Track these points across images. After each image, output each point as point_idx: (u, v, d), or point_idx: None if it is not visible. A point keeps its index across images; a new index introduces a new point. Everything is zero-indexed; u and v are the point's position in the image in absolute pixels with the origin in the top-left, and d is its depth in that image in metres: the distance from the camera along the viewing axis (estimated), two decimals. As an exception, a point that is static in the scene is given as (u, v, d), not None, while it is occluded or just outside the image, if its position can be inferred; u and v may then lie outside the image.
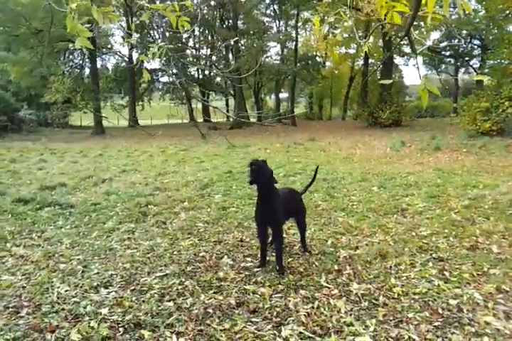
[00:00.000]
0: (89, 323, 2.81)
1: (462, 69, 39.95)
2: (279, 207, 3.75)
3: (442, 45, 31.38)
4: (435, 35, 35.26)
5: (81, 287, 3.39)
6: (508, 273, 3.47)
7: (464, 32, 29.92)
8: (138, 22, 2.95)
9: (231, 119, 30.76)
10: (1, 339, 2.62)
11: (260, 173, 3.53)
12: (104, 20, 2.43)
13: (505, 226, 4.69)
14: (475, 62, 36.18)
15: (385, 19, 1.96)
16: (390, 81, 1.95)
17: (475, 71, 35.72)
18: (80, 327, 2.76)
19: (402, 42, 26.69)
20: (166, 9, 2.69)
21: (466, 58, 35.98)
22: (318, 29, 2.88)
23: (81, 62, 35.48)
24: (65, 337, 2.67)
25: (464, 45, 33.95)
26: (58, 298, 3.19)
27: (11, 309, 3.03)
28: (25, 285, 3.45)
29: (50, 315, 2.94)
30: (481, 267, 3.63)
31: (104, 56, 35.99)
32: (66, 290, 3.32)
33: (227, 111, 42.55)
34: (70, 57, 35.34)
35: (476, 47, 34.48)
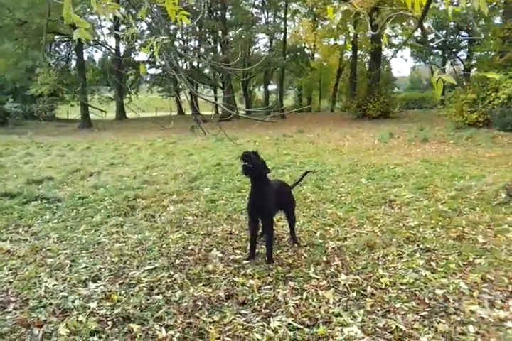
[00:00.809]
0: (78, 317, 2.80)
1: (449, 61, 40.19)
2: (272, 199, 3.80)
3: (430, 36, 31.45)
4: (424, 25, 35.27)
5: (69, 281, 3.37)
6: (492, 263, 3.53)
7: (452, 24, 30.07)
8: (139, 15, 2.89)
9: (220, 112, 30.65)
10: (-12, 335, 2.60)
11: (253, 165, 3.54)
12: (104, 12, 2.38)
13: (491, 217, 4.75)
14: (462, 54, 36.42)
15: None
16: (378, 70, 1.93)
17: (462, 62, 35.95)
18: (68, 321, 2.75)
19: (391, 34, 26.72)
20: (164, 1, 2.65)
21: (454, 50, 36.17)
22: (307, 22, 2.87)
23: (67, 54, 34.96)
24: (53, 331, 2.66)
25: (451, 38, 34.14)
26: (46, 293, 3.17)
27: (-3, 304, 3.01)
28: (12, 280, 3.42)
29: (37, 309, 2.93)
30: (467, 257, 3.68)
31: (90, 48, 35.49)
32: (54, 285, 3.30)
33: (216, 103, 42.28)
34: (56, 49, 34.79)
35: (463, 38, 34.68)
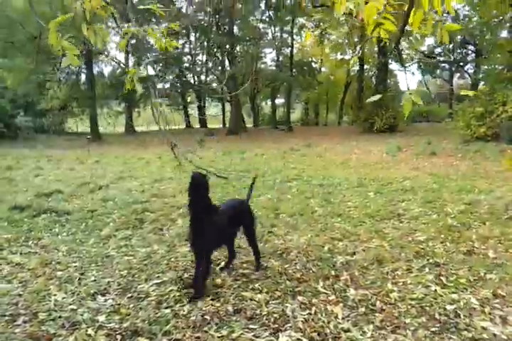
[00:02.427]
0: (87, 331, 2.81)
1: (457, 75, 40.30)
2: (212, 231, 3.39)
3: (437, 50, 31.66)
4: (429, 40, 35.55)
5: (78, 294, 3.39)
6: (504, 278, 3.49)
7: (459, 37, 30.20)
8: (119, 44, 2.96)
9: (227, 126, 30.81)
10: (-2, 348, 2.61)
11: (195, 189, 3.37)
12: (96, 39, 2.43)
13: (501, 231, 4.71)
14: (469, 67, 36.49)
15: (372, 33, 2.02)
16: (378, 97, 1.95)
17: (469, 76, 36.01)
18: (77, 334, 2.75)
19: (395, 50, 26.91)
20: (151, 32, 2.71)
21: (461, 63, 36.26)
22: (309, 35, 2.94)
23: (77, 68, 35.46)
24: (62, 345, 2.66)
25: (457, 53, 34.27)
26: (55, 306, 3.18)
27: (7, 317, 3.02)
28: (21, 292, 3.44)
29: (47, 322, 2.94)
30: (478, 272, 3.65)
31: (100, 62, 36.00)
32: (63, 298, 3.32)
33: (223, 117, 42.61)
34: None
35: (470, 52, 34.79)
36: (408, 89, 1.95)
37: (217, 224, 3.43)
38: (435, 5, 1.82)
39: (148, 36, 2.77)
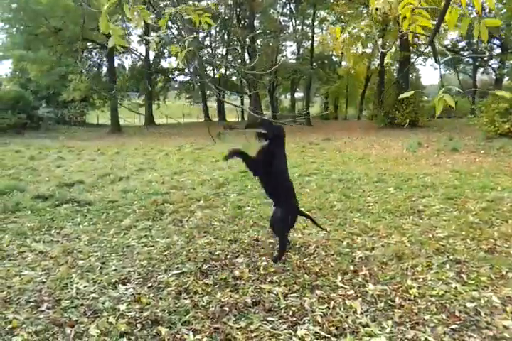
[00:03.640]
0: (108, 319, 2.86)
1: (481, 70, 39.43)
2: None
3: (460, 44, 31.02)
4: (453, 34, 34.84)
5: (99, 283, 3.45)
6: (526, 277, 3.43)
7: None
8: (159, 22, 2.98)
9: (246, 119, 30.77)
10: (24, 333, 2.68)
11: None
12: (137, 19, 2.46)
13: (524, 230, 4.62)
14: (494, 63, 35.65)
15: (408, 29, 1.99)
16: (411, 93, 1.92)
17: (494, 71, 35.22)
18: (99, 322, 2.81)
19: (420, 43, 26.43)
20: (187, 9, 2.72)
21: (485, 58, 35.44)
22: (338, 31, 2.90)
23: (99, 60, 35.85)
24: (84, 331, 2.72)
25: (483, 45, 33.46)
26: (77, 294, 3.25)
27: (31, 303, 3.10)
28: (44, 280, 3.52)
29: (69, 310, 3.00)
30: (499, 270, 3.59)
31: (121, 55, 36.31)
32: (85, 286, 3.39)
33: (242, 110, 42.59)
34: (88, 55, 35.71)
35: (495, 47, 33.97)
36: (442, 86, 1.90)
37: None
38: (475, 3, 1.77)
39: (185, 13, 2.77)
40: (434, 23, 1.99)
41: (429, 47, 2.00)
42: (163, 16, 2.84)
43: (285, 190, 4.04)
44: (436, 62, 2.10)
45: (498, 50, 32.67)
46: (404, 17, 2.04)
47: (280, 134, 4.01)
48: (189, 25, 3.26)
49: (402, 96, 2.06)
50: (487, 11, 26.98)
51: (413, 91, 2.03)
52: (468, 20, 1.87)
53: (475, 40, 32.24)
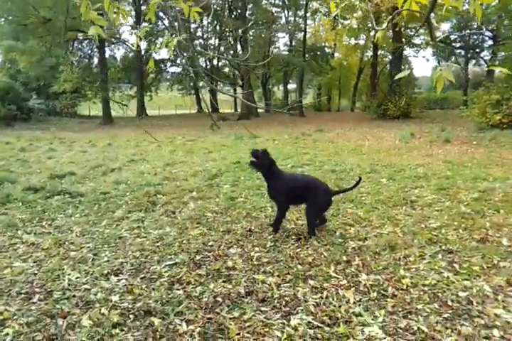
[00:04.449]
0: (100, 310, 2.85)
1: (473, 61, 39.48)
2: (280, 190, 4.39)
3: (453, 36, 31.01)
4: (445, 26, 34.84)
5: (92, 274, 3.43)
6: (518, 266, 3.46)
7: (475, 23, 29.50)
8: (147, 9, 2.94)
9: (239, 110, 30.63)
10: (15, 324, 2.66)
11: (260, 161, 4.31)
12: (115, 17, 2.43)
13: (516, 219, 4.66)
14: (486, 54, 35.73)
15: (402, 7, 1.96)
16: (407, 72, 1.89)
17: (486, 63, 35.27)
18: (91, 313, 2.79)
19: (412, 34, 26.40)
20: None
21: (477, 50, 35.50)
22: (329, 21, 2.87)
23: (89, 51, 35.43)
24: (76, 322, 2.71)
25: (475, 37, 33.53)
26: (69, 285, 3.23)
27: (23, 295, 3.07)
28: (36, 271, 3.50)
29: (61, 301, 2.99)
30: (491, 260, 3.62)
31: (112, 46, 35.91)
32: (77, 278, 3.36)
33: (235, 102, 42.43)
34: (79, 46, 35.27)
35: (487, 38, 34.01)
36: (438, 63, 1.88)
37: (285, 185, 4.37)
38: None
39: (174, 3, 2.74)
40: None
41: (426, 24, 1.97)
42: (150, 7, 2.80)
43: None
44: (431, 39, 2.07)
45: (490, 42, 32.77)
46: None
47: (272, 160, 4.38)
48: (181, 16, 3.22)
49: (398, 76, 2.04)
50: (479, 2, 26.98)
51: (409, 71, 2.00)
52: None
53: (466, 32, 32.25)
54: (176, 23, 3.31)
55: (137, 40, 2.95)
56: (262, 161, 4.30)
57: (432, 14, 1.96)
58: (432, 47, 31.85)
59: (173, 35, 2.91)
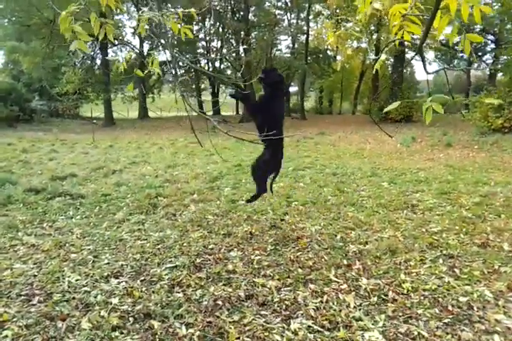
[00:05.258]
0: (100, 312, 2.84)
1: (475, 65, 39.47)
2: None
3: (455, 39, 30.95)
4: (447, 29, 34.79)
5: (92, 276, 3.43)
6: (519, 271, 3.45)
7: (478, 27, 29.51)
8: (138, 31, 2.95)
9: (240, 113, 30.65)
10: (14, 326, 2.65)
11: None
12: (100, 32, 2.43)
13: (517, 224, 4.65)
14: (488, 58, 35.75)
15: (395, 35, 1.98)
16: (396, 104, 1.87)
17: (488, 66, 35.26)
18: (91, 316, 2.79)
19: (415, 38, 26.38)
20: (167, 17, 2.68)
21: (479, 53, 35.49)
22: (331, 35, 2.88)
23: (92, 53, 35.48)
24: (75, 325, 2.70)
25: (475, 43, 33.47)
26: (69, 287, 3.23)
27: (23, 297, 3.07)
28: (36, 273, 3.50)
29: (61, 303, 2.98)
30: (492, 265, 3.61)
31: (114, 47, 35.94)
32: (77, 280, 3.36)
33: (237, 104, 42.38)
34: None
35: (489, 42, 34.00)
36: (429, 95, 1.88)
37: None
38: (463, 12, 1.76)
39: (164, 21, 2.74)
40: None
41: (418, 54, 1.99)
42: (141, 21, 2.80)
43: (278, 134, 4.07)
44: (425, 70, 2.08)
45: (492, 46, 32.77)
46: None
47: (280, 80, 4.38)
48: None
49: (386, 109, 2.05)
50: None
51: (398, 102, 2.00)
52: (456, 28, 1.88)
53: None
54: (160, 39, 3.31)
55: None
56: (269, 78, 4.29)
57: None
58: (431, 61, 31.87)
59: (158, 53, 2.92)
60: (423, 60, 2.19)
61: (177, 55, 3.04)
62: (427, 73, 2.09)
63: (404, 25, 2.05)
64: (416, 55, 2.03)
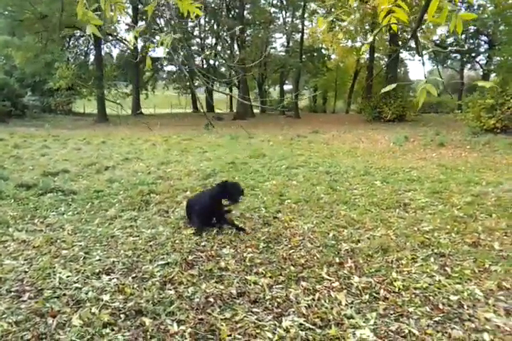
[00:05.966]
0: (91, 309, 2.83)
1: (468, 65, 39.72)
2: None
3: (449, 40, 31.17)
4: (442, 29, 34.94)
5: (83, 273, 3.41)
6: (509, 271, 3.47)
7: (472, 28, 29.66)
8: (144, 9, 2.92)
9: (234, 110, 30.58)
10: (4, 323, 2.63)
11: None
12: (112, 11, 2.41)
13: (508, 224, 4.68)
14: (481, 59, 35.97)
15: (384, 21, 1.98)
16: (393, 86, 1.89)
17: (481, 67, 35.51)
18: (82, 312, 2.78)
19: (408, 38, 26.50)
20: None
21: (473, 54, 35.70)
22: (321, 21, 2.87)
23: (86, 48, 35.28)
24: (66, 322, 2.69)
25: (471, 41, 33.72)
26: (60, 284, 3.21)
27: (13, 293, 3.05)
28: (27, 270, 3.47)
29: (51, 300, 2.96)
30: (483, 264, 3.63)
31: (108, 43, 35.74)
32: (68, 276, 3.34)
33: (231, 101, 42.35)
34: (75, 43, 35.08)
35: (483, 43, 34.23)
36: (425, 77, 1.89)
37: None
38: None
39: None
40: (413, 16, 1.99)
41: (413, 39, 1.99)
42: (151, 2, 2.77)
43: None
44: (418, 54, 2.09)
45: (485, 46, 32.97)
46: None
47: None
48: (176, 16, 3.19)
49: (383, 90, 2.05)
50: (476, 7, 27.21)
51: (395, 84, 2.00)
52: (446, 11, 1.87)
53: (463, 36, 32.44)
54: (172, 22, 3.28)
55: (132, 39, 2.92)
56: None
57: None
58: (424, 61, 31.85)
59: (169, 34, 2.88)
60: (417, 43, 2.19)
61: (169, 52, 3.01)
62: (420, 55, 2.10)
63: (392, 11, 2.04)
64: (411, 38, 2.04)
